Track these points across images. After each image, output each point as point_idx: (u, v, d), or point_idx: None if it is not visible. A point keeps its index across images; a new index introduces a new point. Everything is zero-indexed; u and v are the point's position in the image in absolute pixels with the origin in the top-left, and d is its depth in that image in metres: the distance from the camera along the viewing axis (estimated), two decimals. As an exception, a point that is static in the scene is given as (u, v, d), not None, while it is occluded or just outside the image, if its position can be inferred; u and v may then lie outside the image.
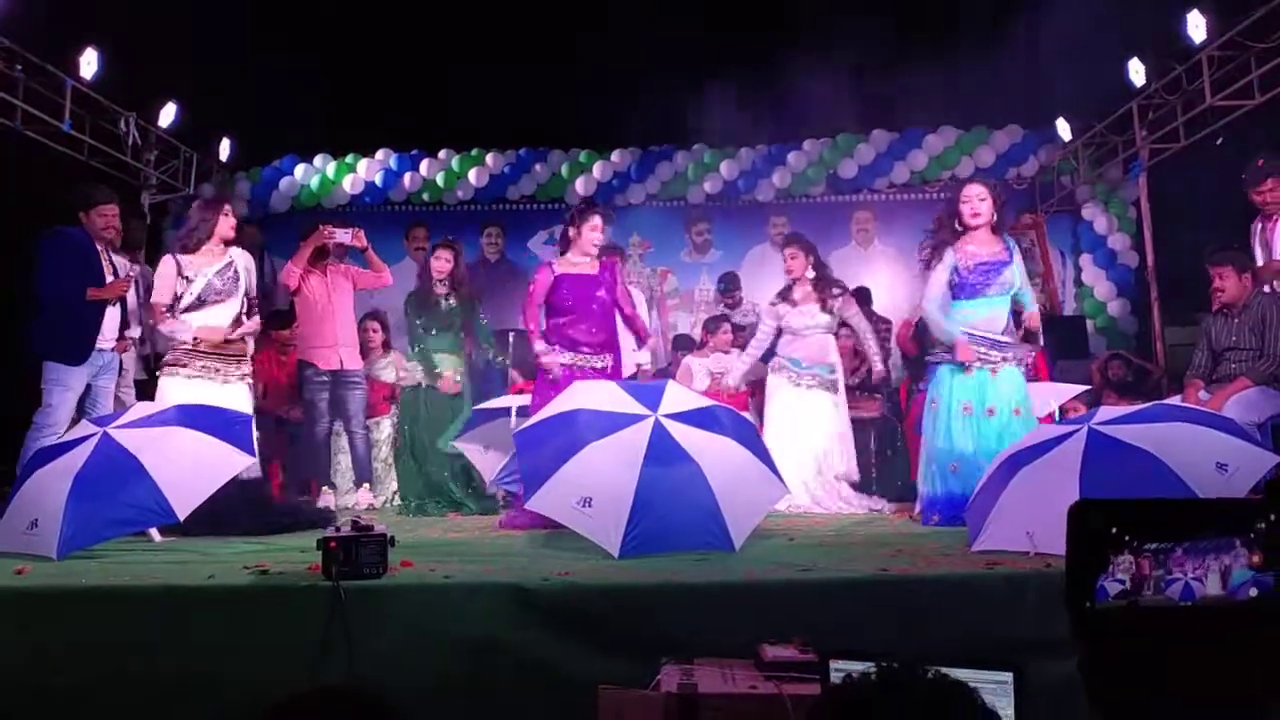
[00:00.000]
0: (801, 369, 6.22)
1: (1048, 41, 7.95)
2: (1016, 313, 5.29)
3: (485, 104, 9.53)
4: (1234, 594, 1.30)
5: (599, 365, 5.55)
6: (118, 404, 6.00)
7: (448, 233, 10.04)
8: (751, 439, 4.58)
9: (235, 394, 5.34)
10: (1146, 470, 3.75)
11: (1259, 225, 5.83)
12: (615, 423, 4.25)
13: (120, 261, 6.23)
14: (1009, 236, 5.37)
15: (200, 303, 5.36)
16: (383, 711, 1.27)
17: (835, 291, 6.34)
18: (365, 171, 10.10)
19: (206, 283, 5.36)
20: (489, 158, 10.15)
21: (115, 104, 8.09)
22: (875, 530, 4.95)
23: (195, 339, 5.31)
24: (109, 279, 5.91)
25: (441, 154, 10.22)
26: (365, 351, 7.15)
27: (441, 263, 6.50)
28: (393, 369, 7.50)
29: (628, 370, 6.06)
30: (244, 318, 5.48)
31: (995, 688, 2.03)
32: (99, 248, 5.91)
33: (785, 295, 6.36)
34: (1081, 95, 8.94)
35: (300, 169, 10.13)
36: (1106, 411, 4.26)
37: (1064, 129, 9.47)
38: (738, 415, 4.85)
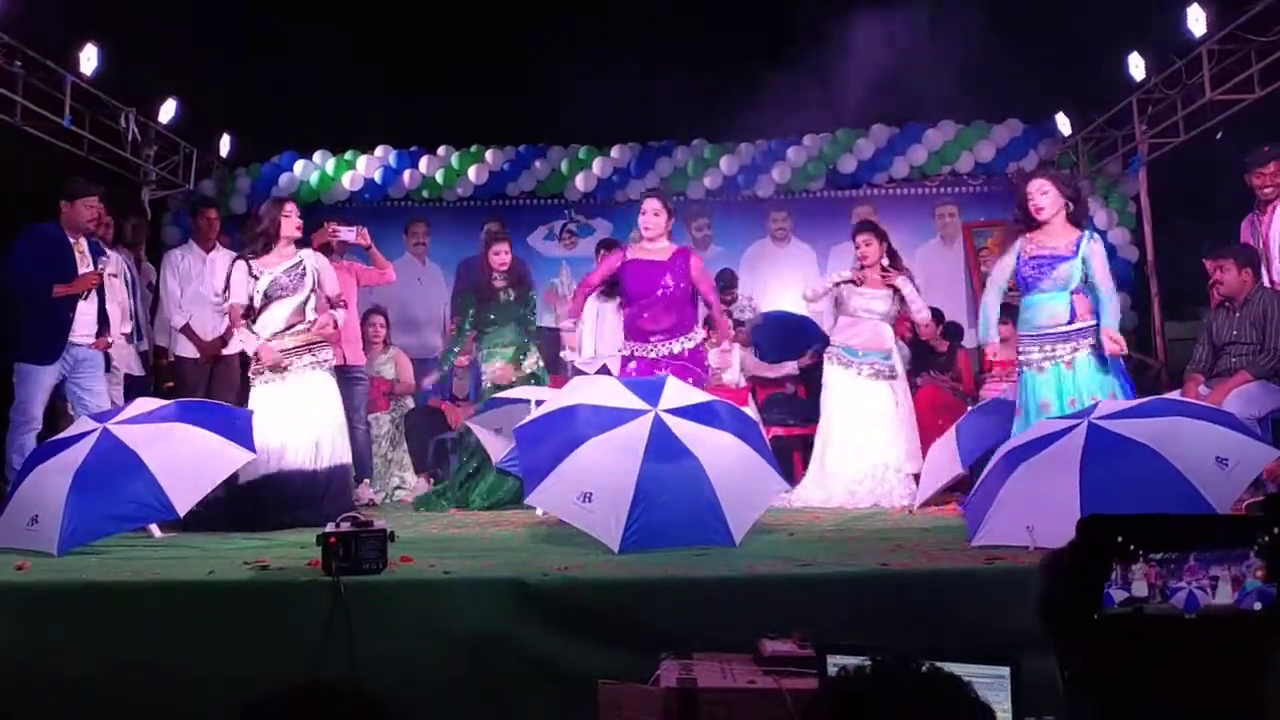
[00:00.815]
0: (857, 356, 6.08)
1: (1048, 35, 7.94)
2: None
3: (484, 100, 9.53)
4: (1238, 605, 1.31)
5: (673, 350, 5.64)
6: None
7: (448, 229, 10.12)
8: (751, 434, 4.58)
9: (317, 381, 5.46)
10: (1146, 465, 3.74)
11: (1252, 217, 5.82)
12: (615, 418, 4.25)
13: (115, 255, 6.21)
14: (1088, 232, 5.19)
15: (267, 300, 5.43)
16: (374, 705, 1.27)
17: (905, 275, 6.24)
18: (365, 168, 10.09)
19: (273, 279, 5.43)
20: (488, 154, 10.13)
21: (115, 100, 8.08)
22: (875, 525, 4.95)
23: (263, 342, 5.38)
24: (84, 270, 5.80)
25: (441, 150, 10.20)
26: (367, 346, 7.16)
27: (502, 256, 6.54)
28: (392, 365, 7.50)
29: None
30: (307, 313, 5.49)
31: (993, 682, 2.03)
32: (71, 240, 5.79)
33: (854, 275, 6.23)
34: (1081, 89, 8.93)
35: (300, 165, 10.12)
36: (1106, 406, 4.26)
37: (1063, 123, 9.46)
38: (738, 410, 4.86)
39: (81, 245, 5.85)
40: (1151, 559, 1.33)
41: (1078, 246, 5.07)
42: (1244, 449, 3.86)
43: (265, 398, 5.35)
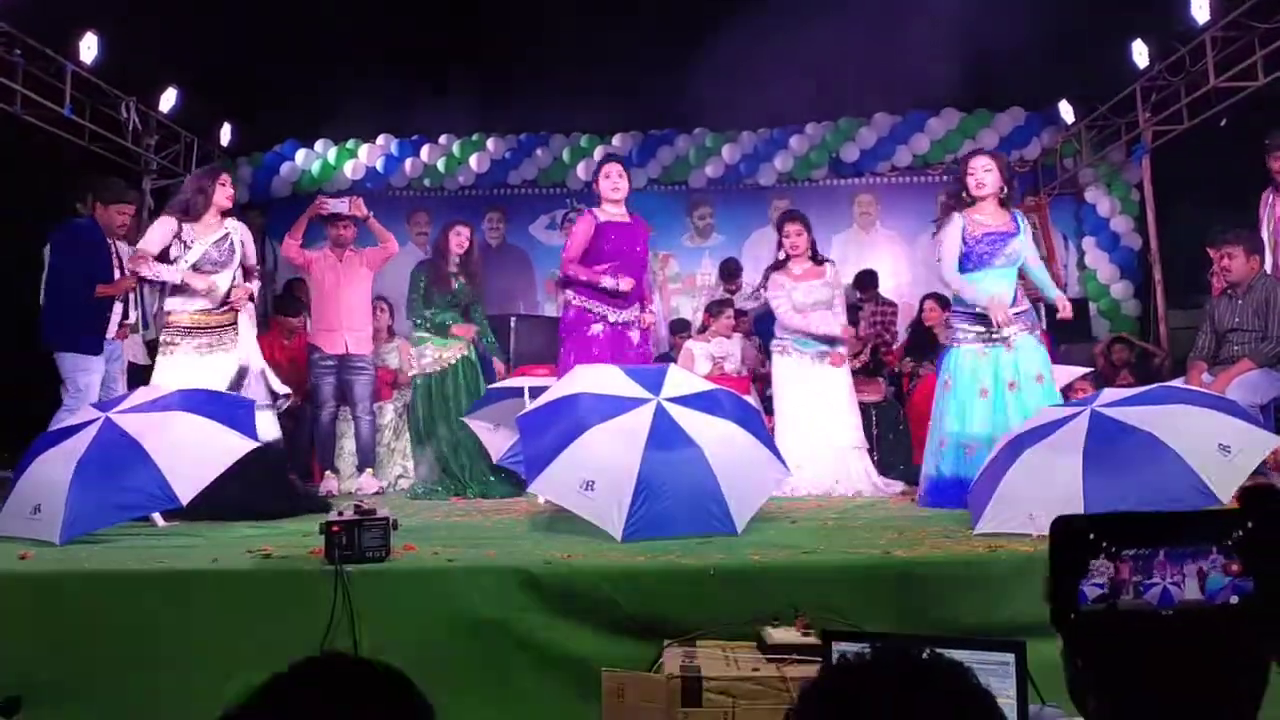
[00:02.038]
0: (804, 345, 6.10)
1: (1051, 23, 7.91)
2: (1039, 301, 5.28)
3: (486, 89, 9.51)
4: (1213, 600, 1.31)
5: (631, 318, 5.66)
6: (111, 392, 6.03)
7: (450, 218, 10.09)
8: (753, 422, 4.57)
9: (226, 361, 5.26)
10: (1149, 452, 3.73)
11: (1269, 197, 5.81)
12: (617, 407, 4.25)
13: (126, 251, 6.24)
14: (1018, 211, 5.27)
15: (195, 272, 5.25)
16: (396, 673, 1.28)
17: (828, 260, 6.31)
18: (366, 157, 10.09)
19: (204, 252, 5.26)
20: (490, 143, 10.13)
21: (116, 89, 8.07)
22: (878, 513, 4.94)
23: (186, 319, 5.25)
24: (117, 274, 5.97)
25: (442, 139, 10.20)
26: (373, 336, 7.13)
27: (462, 239, 6.50)
28: (396, 354, 7.49)
29: None
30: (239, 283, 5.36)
31: (997, 669, 2.04)
32: (109, 242, 5.96)
33: (781, 267, 6.19)
34: (1084, 77, 8.91)
35: (301, 154, 10.12)
36: (1110, 393, 4.25)
37: (1067, 111, 9.44)
38: (740, 399, 4.85)
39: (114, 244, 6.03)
40: (1125, 555, 1.33)
41: (1017, 223, 5.15)
42: (1247, 436, 3.86)
43: (175, 369, 5.13)
